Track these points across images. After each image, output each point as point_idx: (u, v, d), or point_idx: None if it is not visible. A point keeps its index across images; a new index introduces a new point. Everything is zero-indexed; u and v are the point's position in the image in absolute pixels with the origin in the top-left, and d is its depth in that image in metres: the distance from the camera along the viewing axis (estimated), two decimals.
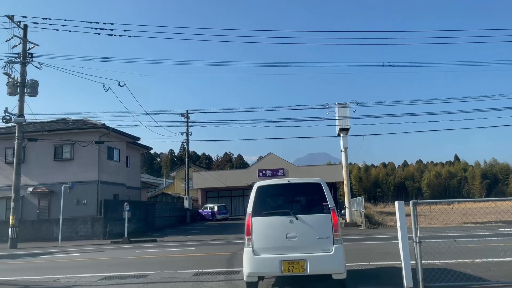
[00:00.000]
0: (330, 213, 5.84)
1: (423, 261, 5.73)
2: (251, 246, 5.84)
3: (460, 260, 8.40)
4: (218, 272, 8.60)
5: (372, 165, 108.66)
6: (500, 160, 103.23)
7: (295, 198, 6.34)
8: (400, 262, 9.02)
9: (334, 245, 5.70)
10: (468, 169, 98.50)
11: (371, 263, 9.17)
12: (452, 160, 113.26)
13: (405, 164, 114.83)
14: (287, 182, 6.32)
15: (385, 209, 40.91)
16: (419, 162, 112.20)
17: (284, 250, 5.74)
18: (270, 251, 5.79)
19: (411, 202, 5.54)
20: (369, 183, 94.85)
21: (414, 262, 5.74)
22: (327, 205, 5.90)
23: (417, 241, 5.46)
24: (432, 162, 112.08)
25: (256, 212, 5.99)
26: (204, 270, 8.94)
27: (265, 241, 5.85)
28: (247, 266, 5.81)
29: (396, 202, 5.71)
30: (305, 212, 5.97)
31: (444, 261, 8.33)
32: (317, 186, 6.09)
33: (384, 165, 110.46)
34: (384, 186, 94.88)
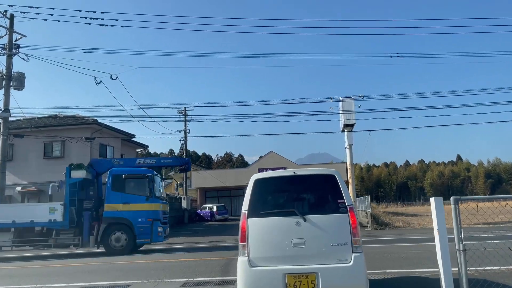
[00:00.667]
0: (347, 212, 4.61)
1: (456, 270, 4.50)
2: (246, 255, 4.59)
3: (495, 268, 7.11)
4: (210, 282, 7.39)
5: (374, 165, 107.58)
6: (504, 159, 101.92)
7: (303, 194, 5.04)
8: (422, 270, 7.89)
9: (353, 254, 4.46)
10: (472, 169, 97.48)
11: (387, 270, 7.94)
12: (455, 160, 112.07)
13: (407, 164, 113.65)
14: (292, 173, 5.03)
15: (388, 209, 39.97)
16: (421, 162, 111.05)
17: (288, 261, 4.51)
18: (271, 261, 4.55)
19: (452, 198, 4.32)
20: (371, 183, 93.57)
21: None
22: (344, 202, 4.67)
23: (461, 248, 4.22)
24: (434, 162, 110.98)
25: (254, 212, 4.76)
26: (194, 279, 7.72)
27: (264, 248, 4.60)
28: (242, 281, 4.55)
29: (432, 199, 4.49)
30: (316, 211, 4.72)
31: (475, 269, 7.06)
32: (331, 178, 4.84)
33: (386, 165, 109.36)
34: (386, 186, 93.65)
